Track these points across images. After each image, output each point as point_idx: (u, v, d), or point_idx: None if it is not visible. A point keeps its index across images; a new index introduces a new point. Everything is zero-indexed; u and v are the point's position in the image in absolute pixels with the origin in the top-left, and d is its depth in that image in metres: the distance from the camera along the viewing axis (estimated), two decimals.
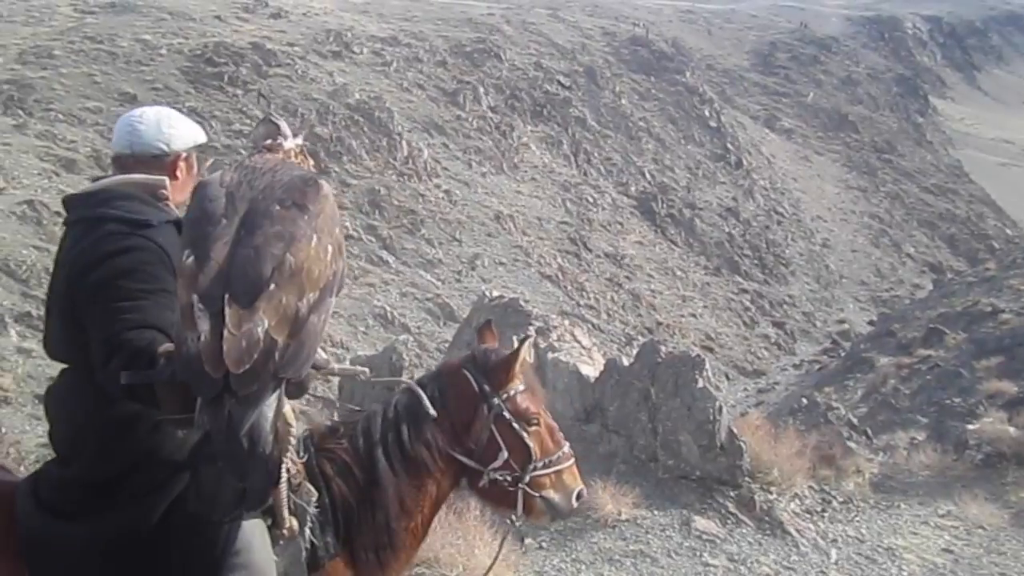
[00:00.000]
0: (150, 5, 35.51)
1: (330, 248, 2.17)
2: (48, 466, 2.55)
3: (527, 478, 3.01)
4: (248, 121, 28.07)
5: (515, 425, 3.02)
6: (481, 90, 36.47)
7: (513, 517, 3.08)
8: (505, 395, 3.04)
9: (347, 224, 26.10)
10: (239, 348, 1.94)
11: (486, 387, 3.03)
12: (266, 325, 1.98)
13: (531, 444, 3.03)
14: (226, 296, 1.98)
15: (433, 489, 2.97)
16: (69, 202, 2.57)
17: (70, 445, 2.47)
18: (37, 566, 2.40)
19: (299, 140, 2.59)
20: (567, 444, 3.18)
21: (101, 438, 2.39)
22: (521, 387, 3.08)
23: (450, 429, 2.97)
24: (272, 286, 2.01)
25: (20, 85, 26.60)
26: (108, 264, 2.32)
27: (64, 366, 2.52)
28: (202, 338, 1.95)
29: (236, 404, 1.95)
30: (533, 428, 3.06)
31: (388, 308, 24.04)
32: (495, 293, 11.26)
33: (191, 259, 2.05)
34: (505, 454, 2.99)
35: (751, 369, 29.36)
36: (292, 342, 2.02)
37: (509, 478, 3.00)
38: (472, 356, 3.14)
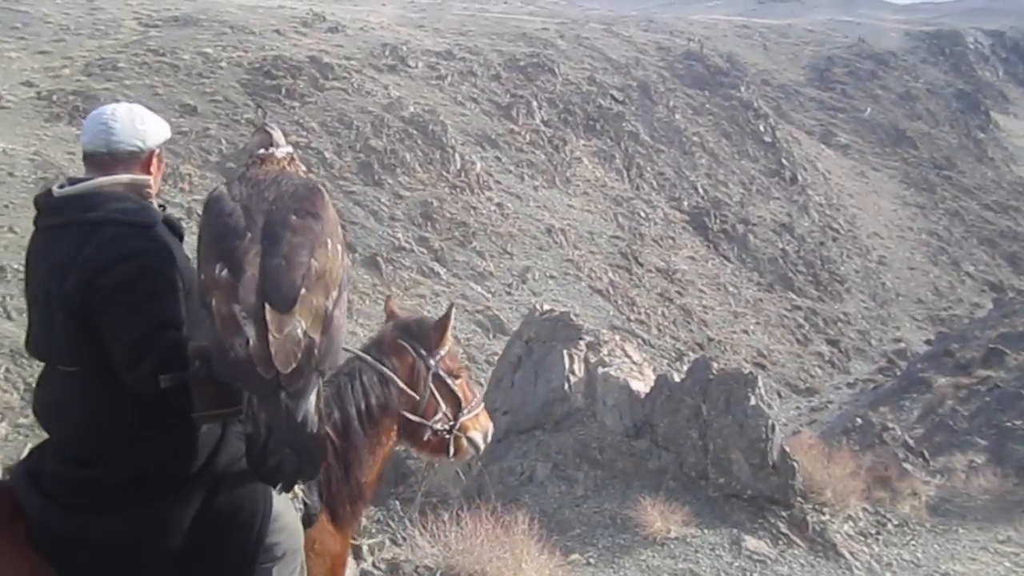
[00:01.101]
0: (212, 19, 36.27)
1: (340, 248, 2.44)
2: (56, 466, 2.50)
3: (458, 424, 3.49)
4: (304, 133, 28.52)
5: (448, 381, 3.47)
6: (534, 104, 36.57)
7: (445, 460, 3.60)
8: (438, 356, 3.47)
9: (399, 235, 26.34)
10: (285, 349, 2.19)
11: (422, 351, 3.44)
12: (304, 326, 2.24)
13: (460, 395, 3.52)
14: (266, 304, 2.22)
15: (389, 446, 3.40)
16: (53, 204, 2.51)
17: (94, 446, 2.46)
18: (64, 558, 2.44)
19: (288, 148, 2.76)
20: (478, 390, 3.72)
21: (131, 437, 2.43)
22: (447, 348, 3.53)
23: (399, 392, 3.33)
24: (304, 291, 2.27)
25: (85, 96, 27.31)
26: (124, 267, 2.37)
27: (51, 366, 2.53)
28: (251, 343, 2.19)
29: (289, 398, 2.21)
30: (459, 381, 3.54)
31: None
32: (546, 307, 11.26)
33: (225, 272, 2.26)
34: (443, 407, 3.44)
35: (804, 387, 28.94)
36: (325, 338, 2.29)
37: (447, 427, 3.46)
38: (403, 325, 3.54)
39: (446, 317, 3.51)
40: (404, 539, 6.59)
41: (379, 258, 25.12)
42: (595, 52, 44.35)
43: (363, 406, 3.20)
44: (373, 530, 6.71)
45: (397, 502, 7.66)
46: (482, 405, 3.68)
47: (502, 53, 40.20)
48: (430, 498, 8.38)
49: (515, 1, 75.22)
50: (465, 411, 3.51)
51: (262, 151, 2.69)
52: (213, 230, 2.38)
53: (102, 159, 2.56)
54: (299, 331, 2.23)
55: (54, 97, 27.05)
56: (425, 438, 3.43)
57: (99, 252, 2.36)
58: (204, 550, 2.50)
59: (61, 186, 2.55)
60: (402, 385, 3.32)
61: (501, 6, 65.85)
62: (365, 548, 5.97)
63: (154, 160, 2.65)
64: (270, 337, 2.19)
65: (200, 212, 2.68)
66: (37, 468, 2.56)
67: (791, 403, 27.05)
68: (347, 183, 27.40)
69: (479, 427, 3.61)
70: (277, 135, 2.75)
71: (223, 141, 26.62)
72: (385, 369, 3.30)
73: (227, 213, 2.38)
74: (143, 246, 2.42)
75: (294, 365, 2.19)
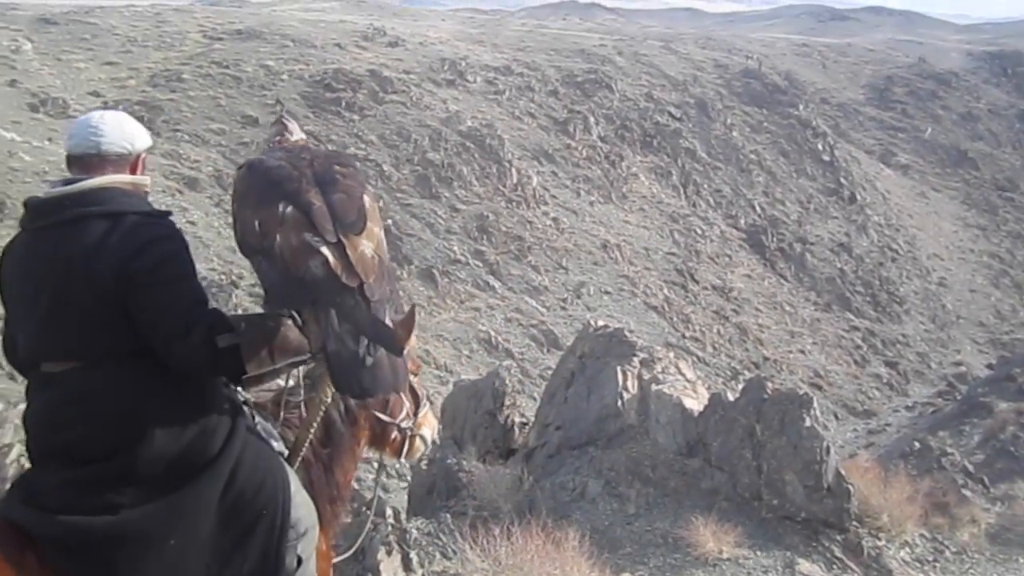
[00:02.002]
0: (275, 32, 36.99)
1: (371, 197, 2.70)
2: (72, 474, 2.44)
3: (416, 421, 3.50)
4: (363, 146, 28.92)
5: (412, 379, 3.45)
6: (591, 120, 36.61)
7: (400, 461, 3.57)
8: (405, 355, 3.40)
9: (455, 248, 26.52)
10: (365, 262, 2.44)
11: None
12: (371, 248, 2.49)
13: (420, 392, 3.55)
14: (339, 229, 2.45)
15: (363, 447, 3.39)
16: (56, 201, 2.52)
17: (130, 433, 2.43)
18: (101, 566, 2.41)
19: (302, 135, 3.01)
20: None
21: (168, 418, 2.46)
22: (411, 347, 3.51)
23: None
24: (366, 219, 2.53)
25: (150, 106, 28.03)
26: (153, 249, 2.45)
27: (59, 366, 2.47)
28: (330, 260, 2.39)
29: (374, 305, 2.43)
30: (417, 379, 3.56)
31: (493, 333, 24.26)
32: (600, 322, 11.26)
33: (290, 208, 2.46)
34: (408, 406, 3.47)
35: (861, 409, 28.46)
36: (384, 260, 2.53)
37: (409, 425, 3.47)
38: None
39: (411, 315, 3.41)
40: (455, 552, 6.63)
41: (435, 270, 25.32)
42: (653, 69, 44.28)
43: (342, 407, 3.21)
44: (424, 542, 6.76)
45: (448, 515, 7.70)
46: (429, 403, 3.68)
47: (560, 69, 40.34)
48: (481, 512, 8.41)
49: (574, 17, 75.55)
50: (421, 409, 3.53)
51: (278, 138, 2.95)
52: (267, 180, 2.57)
53: (91, 161, 2.60)
54: (368, 251, 2.47)
55: (120, 107, 27.74)
56: (392, 437, 3.44)
57: (128, 238, 2.44)
58: (237, 530, 2.55)
59: (53, 187, 2.59)
60: None
61: (560, 22, 66.15)
62: (415, 559, 6.04)
63: (140, 164, 2.72)
64: (350, 254, 2.42)
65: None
66: (34, 491, 2.47)
67: (848, 425, 26.62)
68: (404, 196, 27.69)
69: (429, 424, 3.59)
70: (292, 126, 3.00)
71: None
72: None
73: (275, 168, 2.60)
74: (166, 232, 2.54)
75: (373, 275, 2.43)
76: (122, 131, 2.66)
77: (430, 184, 28.45)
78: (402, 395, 3.41)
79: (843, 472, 8.02)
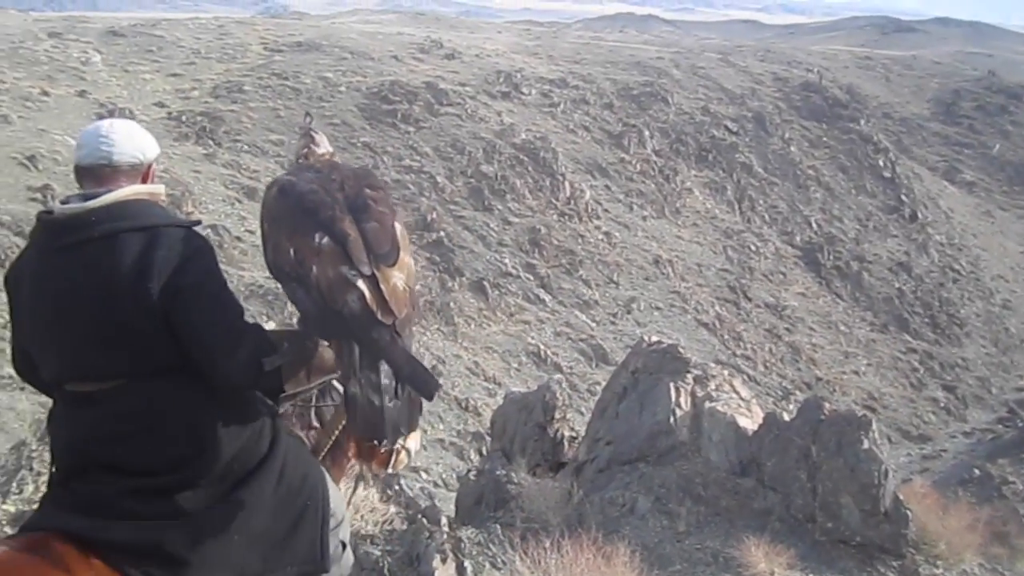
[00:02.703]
0: (334, 44, 37.51)
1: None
2: (125, 484, 2.43)
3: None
4: (418, 157, 29.14)
5: None
6: (646, 133, 36.47)
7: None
8: None
9: (506, 261, 26.57)
10: (397, 296, 2.46)
11: None
12: (403, 279, 2.52)
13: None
14: (373, 261, 2.47)
15: (351, 459, 3.33)
16: (77, 220, 2.46)
17: (174, 453, 2.44)
18: (162, 567, 2.42)
19: (329, 148, 3.06)
20: None
21: (216, 431, 2.48)
22: None
23: None
24: (399, 250, 2.56)
25: (212, 117, 28.57)
26: (195, 264, 2.44)
27: (85, 388, 2.45)
28: (366, 296, 2.41)
29: (404, 340, 2.46)
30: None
31: (542, 346, 24.23)
32: (653, 338, 11.19)
33: (326, 239, 2.48)
34: None
35: (916, 433, 27.84)
36: (413, 290, 2.56)
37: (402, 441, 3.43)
38: None
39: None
40: (504, 563, 6.61)
41: (486, 283, 25.38)
42: (710, 82, 43.99)
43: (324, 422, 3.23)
44: (474, 552, 6.76)
45: (498, 526, 7.69)
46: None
47: (615, 82, 40.28)
48: (530, 524, 8.39)
49: (631, 30, 75.49)
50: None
51: (305, 150, 3.00)
52: (301, 207, 2.58)
53: (102, 172, 2.56)
54: (400, 283, 2.50)
55: (183, 117, 28.36)
56: (380, 451, 3.45)
57: (171, 253, 2.42)
58: (287, 521, 2.60)
59: (65, 202, 2.51)
60: None
61: (616, 34, 66.10)
62: (469, 569, 6.03)
63: (150, 173, 2.67)
64: (384, 288, 2.44)
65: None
66: (82, 501, 2.45)
67: (902, 449, 26.05)
68: (457, 208, 27.83)
69: (414, 437, 3.55)
70: (319, 138, 3.06)
71: None
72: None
73: (308, 193, 2.60)
74: (202, 245, 2.52)
75: (405, 311, 2.47)
76: (132, 141, 2.61)
77: (483, 196, 28.56)
78: None
79: (901, 497, 7.86)
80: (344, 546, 2.86)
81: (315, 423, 3.08)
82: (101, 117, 26.36)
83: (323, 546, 2.69)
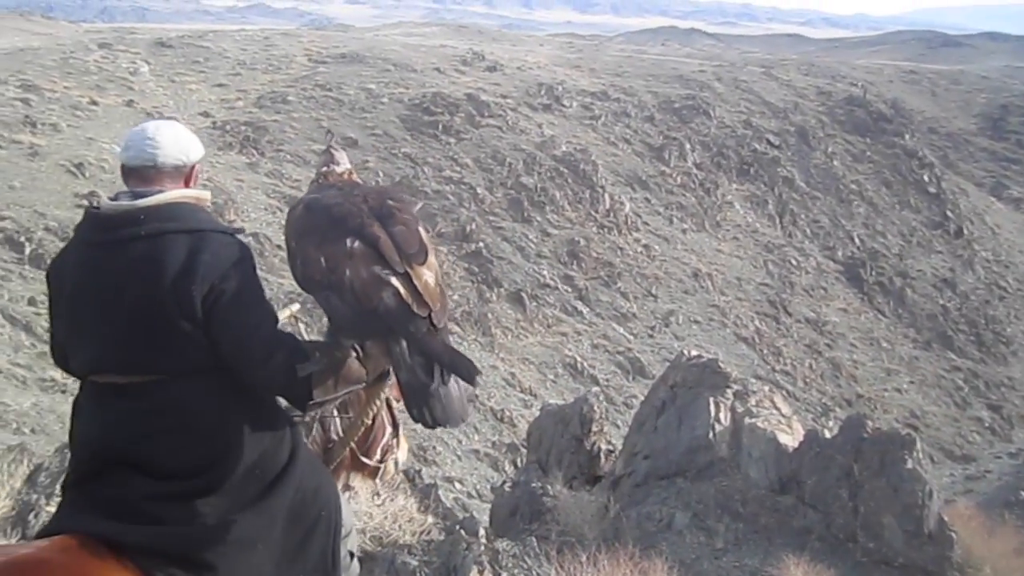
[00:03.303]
0: (377, 56, 37.84)
1: None
2: (143, 489, 2.44)
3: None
4: (458, 168, 29.25)
5: (393, 403, 3.45)
6: (687, 146, 36.31)
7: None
8: (390, 382, 3.47)
9: (545, 272, 26.55)
10: (430, 291, 2.55)
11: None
12: (433, 277, 2.60)
13: (396, 417, 3.49)
14: (404, 260, 2.55)
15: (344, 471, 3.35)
16: (125, 216, 2.50)
17: (203, 452, 2.46)
18: (188, 572, 2.44)
19: (348, 166, 3.10)
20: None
21: (243, 434, 2.51)
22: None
23: None
24: (427, 249, 2.64)
25: (255, 127, 28.94)
26: (237, 270, 2.48)
27: (117, 379, 2.47)
28: (401, 292, 2.49)
29: (441, 333, 2.53)
30: (400, 403, 3.61)
31: (579, 358, 24.17)
32: (692, 352, 11.10)
33: (357, 243, 2.56)
34: (389, 433, 3.41)
35: (959, 453, 27.33)
36: (444, 289, 2.64)
37: (395, 455, 3.45)
38: None
39: None
40: None
41: (523, 294, 25.37)
42: (752, 95, 43.70)
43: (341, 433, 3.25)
44: (509, 564, 6.73)
45: (534, 538, 7.66)
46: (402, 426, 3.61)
47: (657, 95, 40.17)
48: (565, 537, 8.34)
49: (673, 43, 75.30)
50: (398, 434, 3.49)
51: (325, 168, 3.06)
52: (329, 217, 2.66)
53: (147, 173, 2.59)
54: (432, 280, 2.58)
55: (227, 127, 28.76)
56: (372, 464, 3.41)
57: (216, 258, 2.45)
58: (300, 530, 2.63)
59: (113, 198, 2.55)
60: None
61: (658, 48, 65.96)
62: None
63: (193, 175, 2.69)
64: (417, 284, 2.52)
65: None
66: (104, 503, 2.46)
67: (944, 469, 25.59)
68: (496, 219, 27.88)
69: (402, 448, 3.53)
70: (339, 155, 3.12)
71: (380, 173, 27.59)
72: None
73: (335, 205, 2.69)
74: (244, 252, 2.55)
75: (439, 304, 2.55)
76: (177, 143, 2.64)
77: (522, 208, 28.58)
78: (386, 424, 3.36)
79: (946, 518, 7.70)
80: (352, 556, 2.90)
81: (333, 435, 3.12)
82: None
83: (334, 556, 2.72)
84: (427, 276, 2.58)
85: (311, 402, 2.60)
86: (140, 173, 2.60)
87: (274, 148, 27.93)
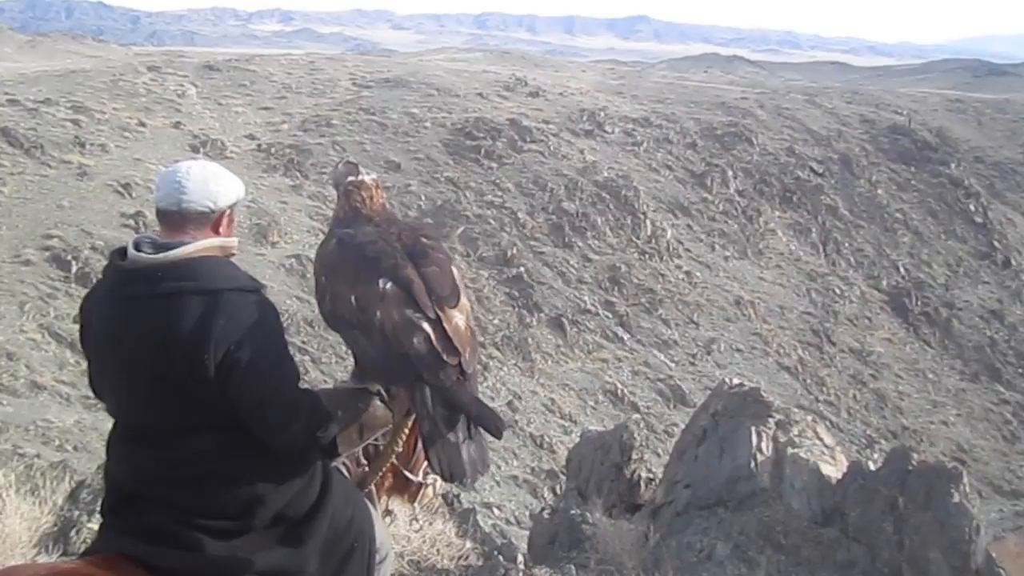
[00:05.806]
0: (420, 81, 38.23)
1: None
2: (177, 519, 2.47)
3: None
4: (500, 193, 29.38)
5: None
6: (730, 173, 36.16)
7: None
8: None
9: (585, 298, 26.51)
10: (460, 336, 2.54)
11: None
12: (464, 320, 2.60)
13: None
14: (435, 303, 2.55)
15: (383, 495, 3.35)
16: (145, 272, 2.47)
17: (231, 501, 2.50)
18: None
19: (374, 175, 3.09)
20: None
21: (273, 480, 2.52)
22: None
23: None
24: (459, 292, 2.65)
25: (300, 150, 29.36)
26: (253, 335, 2.43)
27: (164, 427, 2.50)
28: (431, 337, 2.49)
29: (469, 380, 2.52)
30: None
31: (619, 385, 24.06)
32: (735, 380, 10.99)
33: (390, 285, 2.56)
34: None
35: (1008, 489, 26.72)
36: (474, 331, 2.66)
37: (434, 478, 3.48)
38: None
39: None
40: None
41: (564, 319, 25.36)
42: (795, 123, 43.46)
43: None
44: None
45: (572, 566, 7.62)
46: None
47: (699, 121, 40.10)
48: (605, 566, 8.28)
49: (715, 70, 75.16)
50: None
51: (352, 178, 3.01)
52: (362, 256, 2.67)
53: (172, 217, 2.54)
54: (462, 323, 2.58)
55: (272, 150, 29.21)
56: (411, 488, 3.38)
57: (231, 322, 2.40)
58: (335, 561, 2.64)
59: (137, 247, 2.51)
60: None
61: (701, 75, 65.89)
62: None
63: (224, 220, 2.62)
64: (448, 329, 2.52)
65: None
66: (140, 528, 2.49)
67: (993, 504, 25.03)
68: (538, 244, 27.94)
69: None
70: (361, 169, 3.12)
71: (423, 197, 27.81)
72: None
73: (369, 243, 2.70)
74: (263, 312, 2.50)
75: (468, 350, 2.54)
76: (206, 188, 2.55)
77: (564, 233, 28.62)
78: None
79: (994, 555, 7.53)
80: None
81: (363, 461, 3.12)
82: (194, 148, 27.45)
83: None
84: (458, 319, 2.58)
85: (336, 456, 2.67)
86: (167, 216, 2.56)
87: (318, 171, 28.27)
